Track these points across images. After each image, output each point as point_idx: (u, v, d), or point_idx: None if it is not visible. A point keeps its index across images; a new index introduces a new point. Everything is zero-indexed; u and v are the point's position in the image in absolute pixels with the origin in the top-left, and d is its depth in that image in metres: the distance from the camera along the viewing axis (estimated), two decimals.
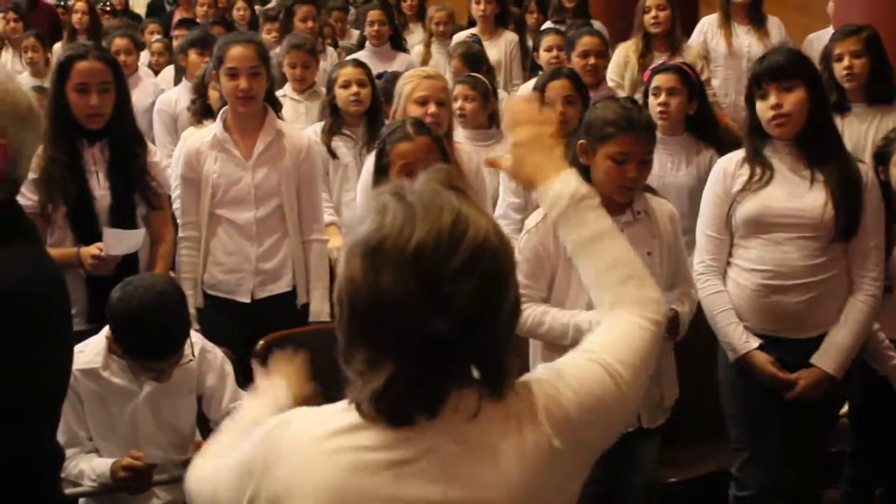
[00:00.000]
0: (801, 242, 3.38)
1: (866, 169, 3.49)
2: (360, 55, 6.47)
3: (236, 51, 4.07)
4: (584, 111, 4.38)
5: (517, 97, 2.09)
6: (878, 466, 3.83)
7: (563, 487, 1.71)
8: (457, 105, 4.82)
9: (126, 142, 3.90)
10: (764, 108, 3.40)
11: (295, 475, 1.63)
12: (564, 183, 1.94)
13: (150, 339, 3.10)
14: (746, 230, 3.43)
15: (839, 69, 4.64)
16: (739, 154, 3.50)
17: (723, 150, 4.09)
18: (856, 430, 3.86)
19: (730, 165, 3.49)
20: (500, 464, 1.62)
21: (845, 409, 3.89)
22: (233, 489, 1.71)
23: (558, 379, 1.71)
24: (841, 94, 4.66)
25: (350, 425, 1.63)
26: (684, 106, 4.50)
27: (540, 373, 1.75)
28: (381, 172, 3.57)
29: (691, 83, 4.56)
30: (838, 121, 4.52)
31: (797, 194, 3.38)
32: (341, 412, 1.65)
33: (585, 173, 3.23)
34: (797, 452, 3.51)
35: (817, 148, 3.40)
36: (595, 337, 1.82)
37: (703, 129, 4.55)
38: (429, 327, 1.56)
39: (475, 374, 1.65)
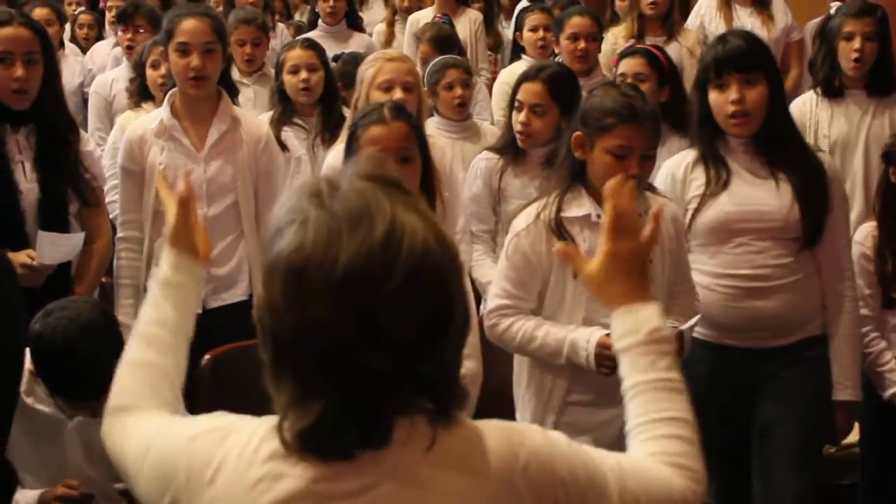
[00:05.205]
0: (767, 244, 3.17)
1: (828, 161, 3.37)
2: (313, 35, 5.98)
3: (188, 24, 3.65)
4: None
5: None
6: (892, 497, 3.58)
7: None
8: (455, 94, 4.53)
9: (56, 127, 3.49)
10: (722, 102, 3.17)
11: (229, 496, 1.47)
12: (647, 317, 1.75)
13: (76, 378, 2.75)
14: (709, 238, 3.21)
15: (848, 50, 4.23)
16: (689, 156, 3.27)
17: None
18: (866, 460, 3.64)
19: (679, 170, 3.26)
20: None
21: (856, 438, 3.65)
22: (153, 485, 1.58)
23: (548, 441, 1.53)
24: (839, 78, 4.30)
25: (285, 451, 1.46)
26: (654, 93, 4.12)
27: (511, 424, 1.56)
28: (350, 157, 3.20)
29: (661, 68, 4.24)
30: (830, 107, 4.30)
31: (758, 197, 3.17)
32: (275, 432, 1.48)
33: (581, 169, 2.96)
34: None
35: (776, 147, 3.19)
36: (624, 457, 1.63)
37: (677, 117, 4.10)
38: (366, 362, 1.38)
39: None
